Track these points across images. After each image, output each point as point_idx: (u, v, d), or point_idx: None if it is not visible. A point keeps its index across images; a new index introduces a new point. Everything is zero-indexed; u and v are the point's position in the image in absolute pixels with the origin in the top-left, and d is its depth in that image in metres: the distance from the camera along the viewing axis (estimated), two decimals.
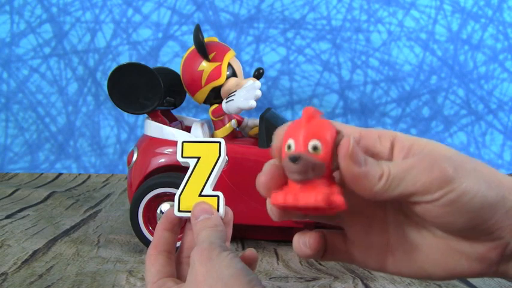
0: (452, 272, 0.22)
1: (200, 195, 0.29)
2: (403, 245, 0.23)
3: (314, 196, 0.20)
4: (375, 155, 0.22)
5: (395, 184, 0.20)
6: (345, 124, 0.23)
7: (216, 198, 0.29)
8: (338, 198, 0.20)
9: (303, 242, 0.24)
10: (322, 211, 0.21)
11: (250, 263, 0.29)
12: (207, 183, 0.29)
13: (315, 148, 0.20)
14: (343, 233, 0.25)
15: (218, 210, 0.29)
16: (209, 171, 0.29)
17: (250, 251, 0.30)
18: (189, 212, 0.29)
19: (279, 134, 0.22)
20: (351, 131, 0.23)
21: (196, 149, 0.30)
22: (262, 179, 0.22)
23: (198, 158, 0.30)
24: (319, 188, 0.20)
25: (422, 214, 0.21)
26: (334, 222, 0.25)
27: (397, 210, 0.23)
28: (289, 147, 0.21)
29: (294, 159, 0.20)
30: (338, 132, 0.21)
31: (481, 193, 0.20)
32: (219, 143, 0.30)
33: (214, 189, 0.29)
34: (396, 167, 0.21)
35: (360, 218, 0.24)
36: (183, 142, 0.30)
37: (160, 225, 0.30)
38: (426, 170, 0.20)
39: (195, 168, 0.29)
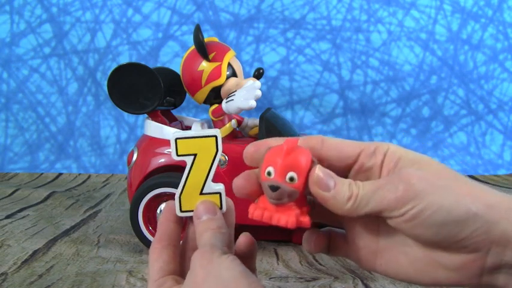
0: (433, 280, 0.24)
1: (201, 193, 0.28)
2: (390, 251, 0.25)
3: (286, 219, 0.24)
4: (368, 170, 0.25)
5: (364, 204, 0.23)
6: (348, 140, 0.26)
7: (218, 195, 0.28)
8: (305, 219, 0.24)
9: (310, 239, 0.28)
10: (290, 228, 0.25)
11: (249, 251, 0.29)
12: (208, 181, 0.28)
13: (291, 179, 0.24)
14: (345, 234, 0.28)
15: (221, 207, 0.28)
16: (208, 168, 0.28)
17: (244, 236, 0.29)
18: (192, 211, 0.28)
19: (258, 150, 0.27)
20: (348, 147, 0.26)
21: (192, 145, 0.28)
22: (238, 183, 0.26)
23: (195, 154, 0.28)
24: (291, 210, 0.24)
25: (395, 227, 0.24)
26: (337, 225, 0.28)
27: None
28: (269, 173, 0.25)
29: (274, 188, 0.24)
30: (313, 162, 0.25)
31: (445, 208, 0.22)
32: (215, 137, 0.28)
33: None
34: (365, 188, 0.24)
35: (357, 223, 0.27)
36: (176, 139, 0.28)
37: (164, 216, 0.29)
38: (392, 189, 0.23)
39: (193, 166, 0.28)
